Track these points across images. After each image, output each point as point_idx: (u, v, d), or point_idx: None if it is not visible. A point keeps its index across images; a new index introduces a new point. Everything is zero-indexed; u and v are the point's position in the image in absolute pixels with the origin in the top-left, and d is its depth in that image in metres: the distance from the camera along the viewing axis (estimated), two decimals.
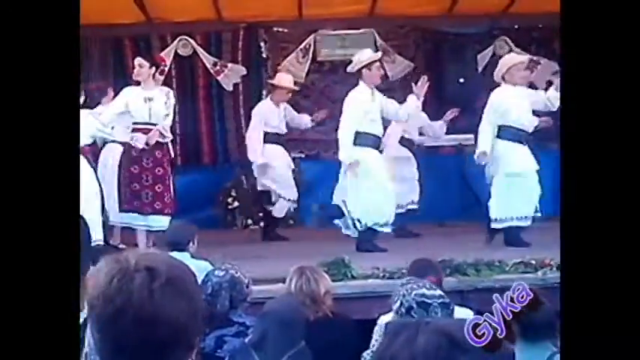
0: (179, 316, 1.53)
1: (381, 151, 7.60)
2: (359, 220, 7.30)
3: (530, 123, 7.47)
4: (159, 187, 7.11)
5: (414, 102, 7.50)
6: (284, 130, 8.67)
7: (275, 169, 8.48)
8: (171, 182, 7.24)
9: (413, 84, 7.66)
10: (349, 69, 7.72)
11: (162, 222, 7.09)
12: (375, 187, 7.32)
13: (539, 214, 7.41)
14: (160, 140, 7.15)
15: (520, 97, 7.46)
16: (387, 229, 7.39)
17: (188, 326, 1.55)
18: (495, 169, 7.48)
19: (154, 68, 7.25)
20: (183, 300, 1.54)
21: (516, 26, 10.32)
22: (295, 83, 9.18)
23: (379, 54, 7.75)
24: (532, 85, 9.54)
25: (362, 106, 7.33)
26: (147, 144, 7.04)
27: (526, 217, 7.42)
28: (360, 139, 7.31)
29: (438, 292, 3.66)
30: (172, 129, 7.41)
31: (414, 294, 3.59)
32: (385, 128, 7.78)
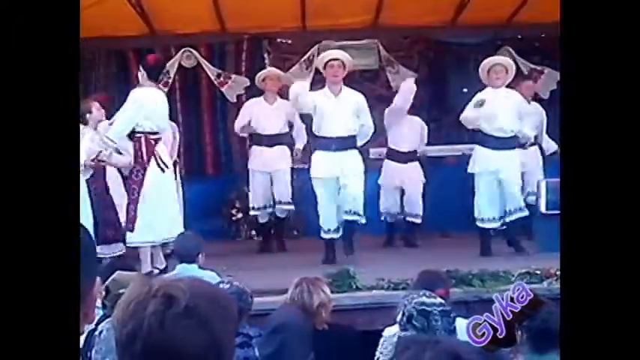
0: (193, 349, 1.41)
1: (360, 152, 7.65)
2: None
3: (508, 126, 7.60)
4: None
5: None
6: (282, 130, 8.58)
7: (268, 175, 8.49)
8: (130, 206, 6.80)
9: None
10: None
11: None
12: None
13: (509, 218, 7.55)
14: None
15: (497, 101, 7.54)
16: (334, 235, 7.45)
17: (205, 358, 1.43)
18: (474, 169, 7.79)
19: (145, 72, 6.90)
20: (200, 331, 1.42)
21: (519, 36, 10.32)
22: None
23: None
24: (536, 95, 9.57)
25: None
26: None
27: (493, 218, 7.56)
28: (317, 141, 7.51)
29: (438, 300, 3.68)
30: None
31: (414, 302, 3.63)
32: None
